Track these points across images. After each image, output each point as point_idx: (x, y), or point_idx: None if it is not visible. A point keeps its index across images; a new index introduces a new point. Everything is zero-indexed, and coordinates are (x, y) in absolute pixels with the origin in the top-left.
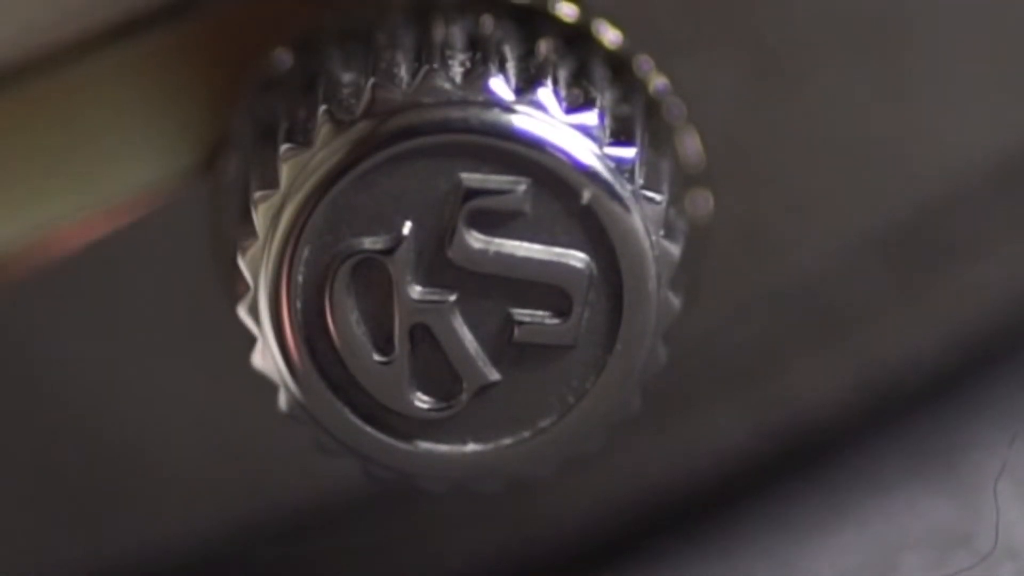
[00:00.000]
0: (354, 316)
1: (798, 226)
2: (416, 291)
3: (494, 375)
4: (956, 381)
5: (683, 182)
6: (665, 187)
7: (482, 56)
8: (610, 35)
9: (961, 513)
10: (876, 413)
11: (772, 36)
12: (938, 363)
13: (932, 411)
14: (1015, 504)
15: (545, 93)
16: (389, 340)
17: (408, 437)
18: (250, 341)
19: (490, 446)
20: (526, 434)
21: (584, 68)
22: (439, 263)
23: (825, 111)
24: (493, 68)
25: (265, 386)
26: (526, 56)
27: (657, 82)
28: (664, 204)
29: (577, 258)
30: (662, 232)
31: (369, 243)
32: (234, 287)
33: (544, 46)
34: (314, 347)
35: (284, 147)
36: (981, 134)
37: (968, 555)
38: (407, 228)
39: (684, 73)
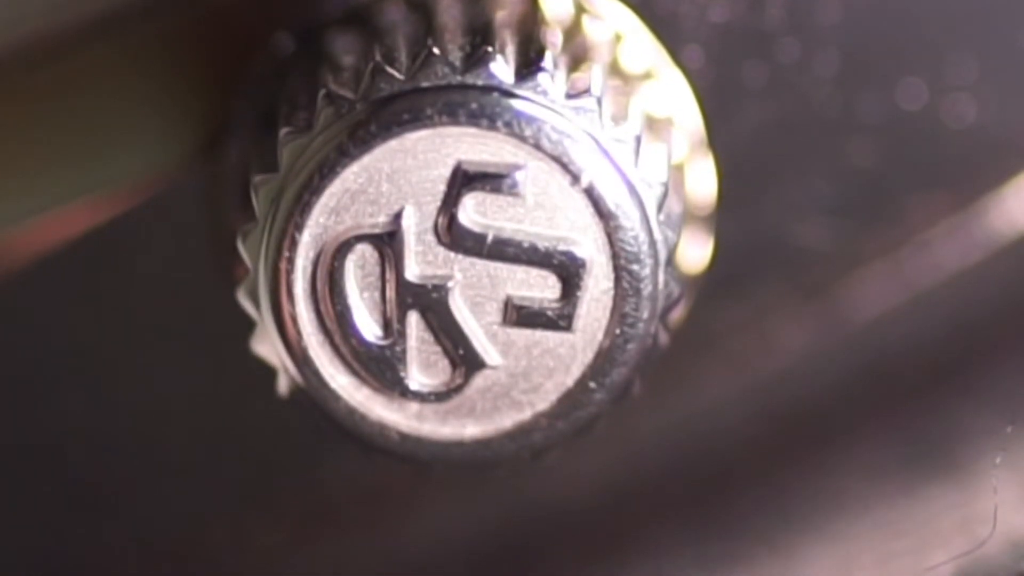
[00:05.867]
0: (353, 300)
1: (796, 203)
2: (415, 275)
3: (493, 359)
4: (955, 367)
5: (682, 168)
6: (664, 172)
7: (482, 41)
8: (609, 23)
9: (959, 499)
10: (875, 399)
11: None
12: (937, 349)
13: (930, 397)
14: (1013, 490)
15: (545, 78)
16: (388, 324)
17: (408, 421)
18: (250, 325)
19: (490, 430)
20: (525, 418)
21: (583, 54)
22: (438, 247)
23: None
24: (493, 53)
25: (265, 370)
26: (526, 41)
27: (658, 69)
28: (663, 189)
29: (576, 242)
30: (661, 217)
31: (368, 227)
32: (234, 271)
33: (544, 32)
34: (313, 331)
35: (284, 131)
36: None
37: (966, 540)
38: (406, 212)
39: (688, 63)
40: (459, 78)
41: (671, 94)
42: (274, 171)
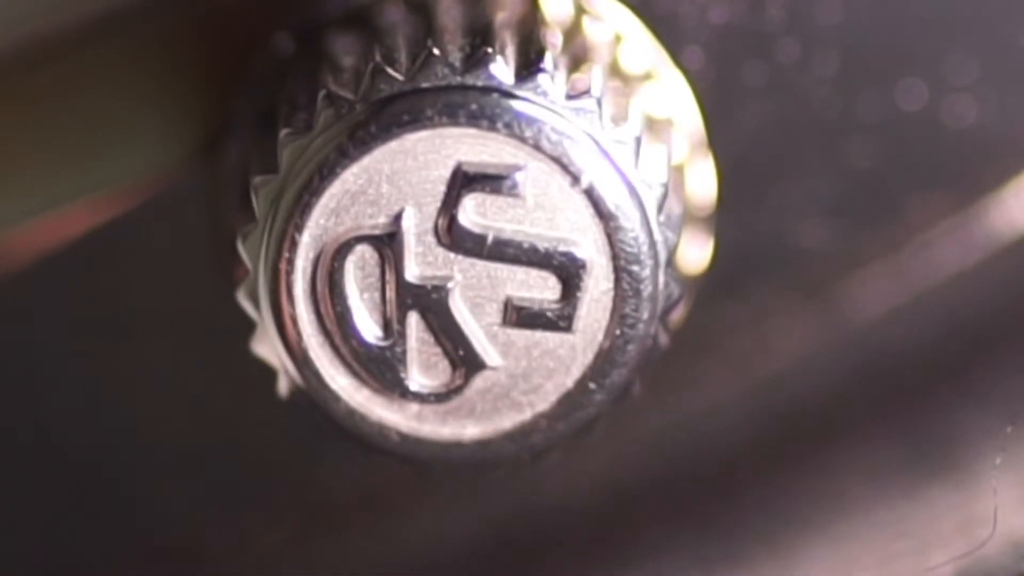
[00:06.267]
0: (353, 301)
1: (796, 203)
2: (415, 276)
3: (493, 360)
4: (955, 367)
5: (682, 169)
6: (664, 173)
7: (482, 41)
8: (609, 24)
9: (959, 500)
10: (875, 400)
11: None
12: (937, 349)
13: (930, 398)
14: (1013, 491)
15: (545, 79)
16: (388, 325)
17: (407, 422)
18: (250, 326)
19: (489, 431)
20: (525, 419)
21: (583, 55)
22: (438, 248)
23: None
24: (493, 54)
25: (265, 371)
26: (526, 42)
27: (658, 70)
28: (663, 189)
29: (576, 243)
30: (661, 218)
31: (368, 228)
32: (234, 272)
33: (544, 33)
34: (313, 332)
35: (284, 132)
36: None
37: (966, 541)
38: (406, 213)
39: (688, 63)
40: (459, 79)
41: (671, 95)
42: (274, 172)
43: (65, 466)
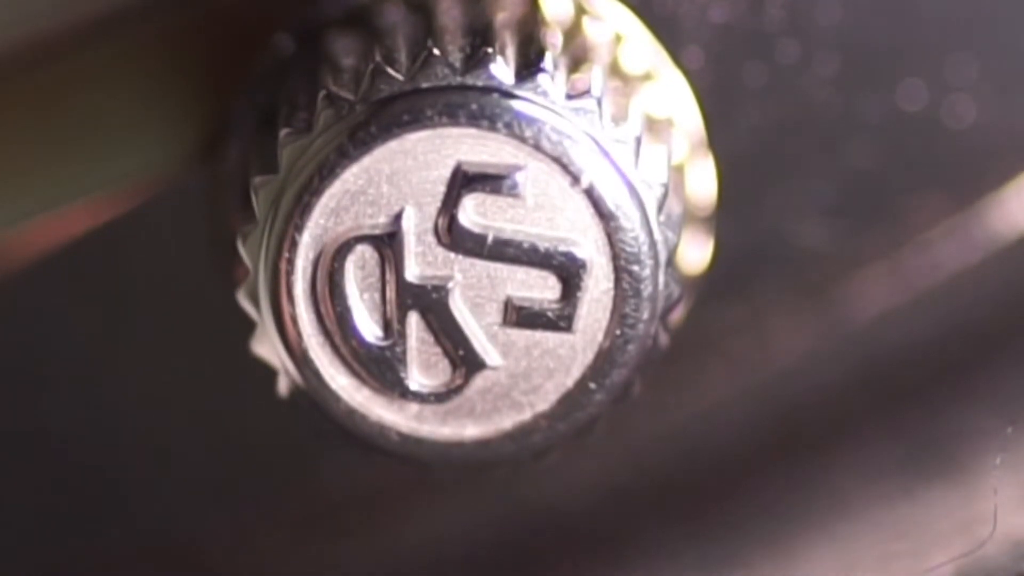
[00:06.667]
0: (353, 301)
1: (796, 203)
2: (415, 275)
3: (493, 359)
4: (955, 368)
5: (682, 169)
6: (664, 172)
7: (482, 42)
8: (609, 24)
9: (959, 500)
10: (875, 400)
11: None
12: (937, 349)
13: (930, 398)
14: (1013, 490)
15: (545, 79)
16: (388, 325)
17: (407, 422)
18: (250, 326)
19: (489, 430)
20: (525, 419)
21: (583, 55)
22: (438, 248)
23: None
24: (493, 54)
25: (265, 371)
26: (526, 42)
27: (658, 70)
28: (663, 189)
29: (576, 243)
30: (661, 217)
31: (368, 228)
32: (234, 272)
33: (544, 33)
34: (314, 332)
35: (284, 132)
36: None
37: (966, 541)
38: (406, 213)
39: (688, 63)
40: (459, 79)
41: (671, 95)
42: (274, 172)
43: (65, 466)
